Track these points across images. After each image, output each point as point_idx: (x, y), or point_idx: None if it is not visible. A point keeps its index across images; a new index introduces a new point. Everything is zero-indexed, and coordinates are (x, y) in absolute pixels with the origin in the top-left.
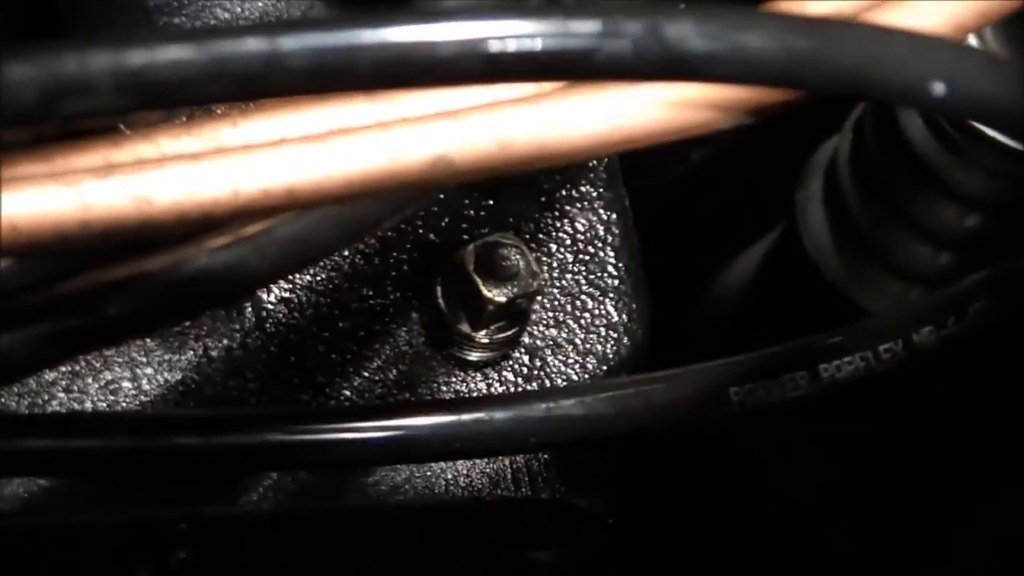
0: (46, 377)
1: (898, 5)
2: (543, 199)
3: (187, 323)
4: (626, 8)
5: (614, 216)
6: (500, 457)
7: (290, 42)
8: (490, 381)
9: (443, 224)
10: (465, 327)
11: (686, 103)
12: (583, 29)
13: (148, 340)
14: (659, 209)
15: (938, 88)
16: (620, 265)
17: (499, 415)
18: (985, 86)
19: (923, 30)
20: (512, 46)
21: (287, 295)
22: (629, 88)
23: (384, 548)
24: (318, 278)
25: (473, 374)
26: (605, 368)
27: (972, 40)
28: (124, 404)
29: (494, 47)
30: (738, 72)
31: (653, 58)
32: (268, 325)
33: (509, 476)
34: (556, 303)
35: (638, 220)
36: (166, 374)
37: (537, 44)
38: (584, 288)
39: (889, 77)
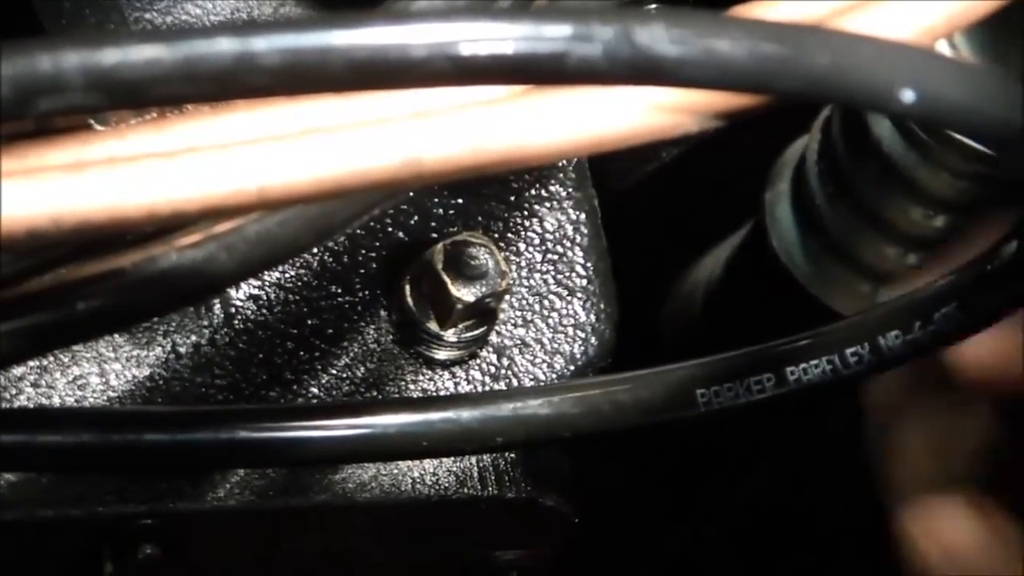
0: (14, 372)
1: (867, 11)
2: (512, 198)
3: (156, 319)
4: (598, 12)
5: (583, 216)
6: (467, 456)
7: (262, 42)
8: (458, 380)
9: (412, 223)
10: (433, 326)
11: (656, 106)
12: (554, 33)
13: (116, 336)
14: (628, 208)
15: (907, 95)
16: (588, 265)
17: (466, 414)
18: (954, 93)
19: (892, 36)
20: (483, 49)
21: (256, 292)
22: (600, 91)
23: (350, 545)
24: (287, 275)
25: (441, 373)
26: (572, 368)
27: (943, 46)
28: (92, 400)
29: (466, 50)
30: (708, 76)
31: (624, 62)
32: (237, 322)
33: (475, 475)
34: (524, 302)
35: (607, 219)
36: (134, 370)
37: (508, 47)
38: (552, 288)
39: (858, 83)
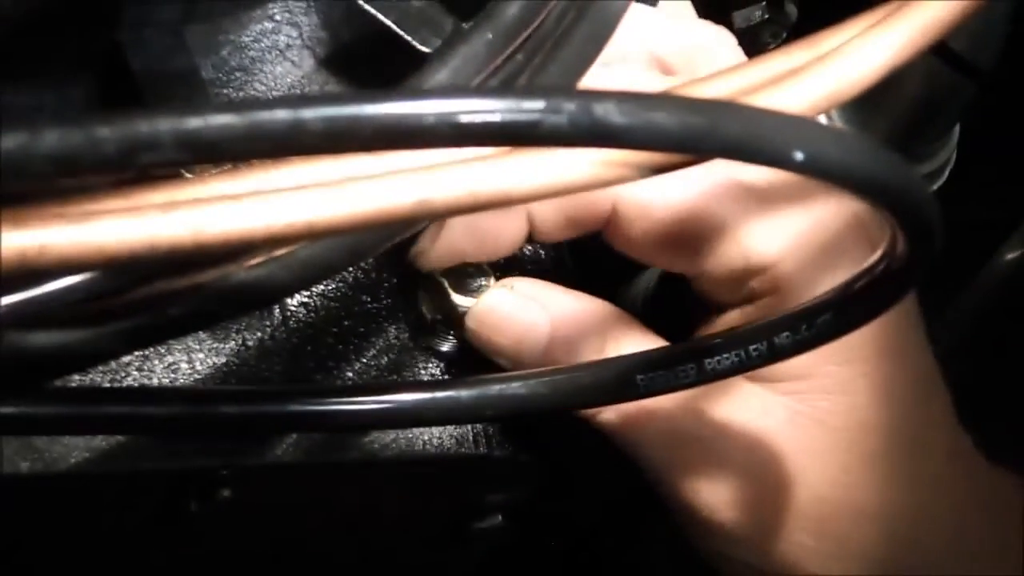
0: (123, 360)
1: (768, 91)
2: None
3: (230, 321)
4: (564, 90)
5: (552, 244)
6: (464, 424)
7: (310, 112)
8: (457, 367)
9: None
10: (440, 327)
11: (608, 163)
12: (531, 106)
13: (200, 333)
14: (587, 236)
15: (799, 155)
16: (556, 280)
17: (464, 393)
18: (833, 153)
19: (786, 110)
20: (477, 118)
21: (306, 300)
22: (564, 151)
23: (375, 490)
24: (329, 288)
25: (444, 362)
26: None
27: (822, 118)
28: (182, 380)
29: (464, 119)
30: (647, 140)
31: (584, 129)
32: (291, 322)
33: (471, 438)
34: None
35: (570, 245)
36: (214, 358)
37: (496, 117)
38: None
39: (762, 146)
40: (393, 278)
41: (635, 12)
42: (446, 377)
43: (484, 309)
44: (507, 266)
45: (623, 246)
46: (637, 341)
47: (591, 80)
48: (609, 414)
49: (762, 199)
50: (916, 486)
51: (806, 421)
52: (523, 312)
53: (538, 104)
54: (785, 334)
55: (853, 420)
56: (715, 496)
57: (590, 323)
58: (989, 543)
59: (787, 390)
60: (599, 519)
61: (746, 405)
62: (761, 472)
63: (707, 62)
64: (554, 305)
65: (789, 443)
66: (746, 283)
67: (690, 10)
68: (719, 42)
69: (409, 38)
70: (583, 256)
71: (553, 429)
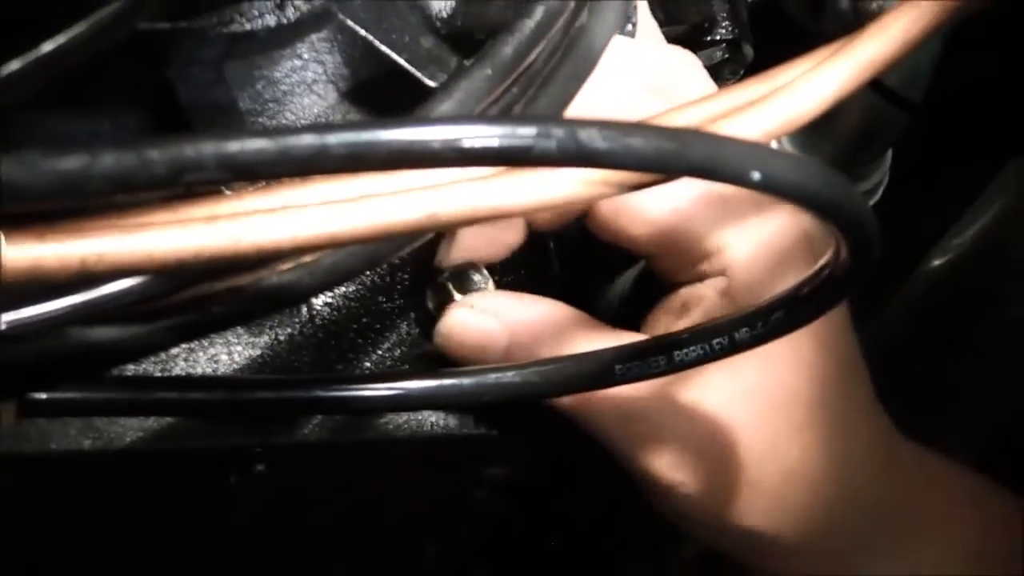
0: (171, 352)
1: (729, 120)
2: None
3: (264, 318)
4: (554, 118)
5: (541, 250)
6: (467, 408)
7: (333, 138)
8: None
9: (431, 254)
10: None
11: (591, 181)
12: (524, 132)
13: (239, 328)
14: (572, 246)
15: (756, 175)
16: (545, 283)
17: (466, 381)
18: (785, 173)
19: (745, 136)
20: (478, 143)
21: (330, 300)
22: (554, 171)
23: (389, 465)
24: (350, 289)
25: None
26: None
27: (774, 143)
28: (222, 370)
29: (466, 143)
30: (626, 162)
31: (570, 152)
32: (317, 320)
33: (472, 420)
34: None
35: (557, 253)
36: (250, 351)
37: (494, 141)
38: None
39: (723, 167)
40: (405, 280)
41: (616, 41)
42: (450, 368)
43: (448, 325)
44: (504, 269)
45: (598, 230)
46: (588, 337)
47: (580, 101)
48: (566, 399)
49: (721, 200)
50: (840, 460)
51: (737, 390)
52: (481, 324)
53: (531, 131)
54: (744, 329)
55: (778, 390)
56: (665, 462)
57: (544, 326)
58: (910, 527)
59: (719, 365)
60: (599, 519)
61: (688, 380)
62: (703, 439)
63: (681, 81)
64: (510, 315)
65: (723, 410)
66: (698, 264)
67: (658, 34)
68: (688, 64)
69: (419, 74)
70: (570, 263)
71: (549, 416)
